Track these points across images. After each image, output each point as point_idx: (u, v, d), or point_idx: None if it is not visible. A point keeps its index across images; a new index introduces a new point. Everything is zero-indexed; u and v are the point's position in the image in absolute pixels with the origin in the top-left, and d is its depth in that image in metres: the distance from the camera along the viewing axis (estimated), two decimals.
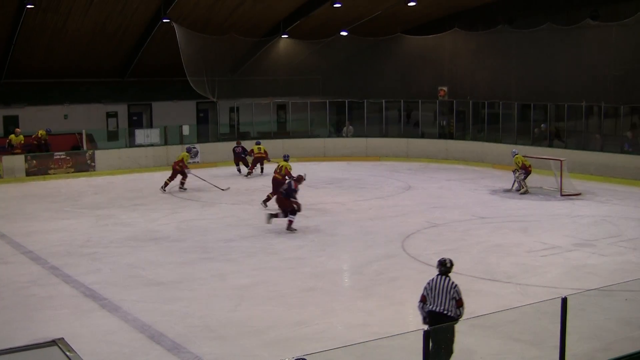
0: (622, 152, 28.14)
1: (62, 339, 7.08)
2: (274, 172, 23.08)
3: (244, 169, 30.10)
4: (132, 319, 12.37)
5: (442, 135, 35.43)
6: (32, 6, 28.02)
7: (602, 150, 28.79)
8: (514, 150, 26.09)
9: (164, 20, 31.73)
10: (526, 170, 24.82)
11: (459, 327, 9.60)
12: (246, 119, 37.39)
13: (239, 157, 30.68)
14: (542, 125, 31.71)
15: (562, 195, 23.95)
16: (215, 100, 35.30)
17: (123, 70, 37.19)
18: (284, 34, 36.80)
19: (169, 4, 31.15)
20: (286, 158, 23.62)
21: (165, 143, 33.31)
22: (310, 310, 12.86)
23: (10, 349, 7.20)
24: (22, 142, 30.43)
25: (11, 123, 33.70)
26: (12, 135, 30.65)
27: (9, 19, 29.60)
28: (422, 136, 35.57)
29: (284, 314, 12.65)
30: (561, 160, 24.50)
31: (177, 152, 31.91)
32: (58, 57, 33.77)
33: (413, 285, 14.44)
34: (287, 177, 21.61)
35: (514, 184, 25.23)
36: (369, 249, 17.35)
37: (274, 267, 15.82)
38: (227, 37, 34.48)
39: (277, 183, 21.88)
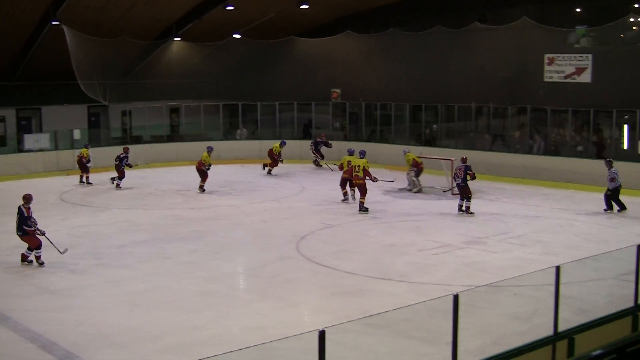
0: (510, 151, 29.18)
1: None
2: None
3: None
4: (22, 328, 12.07)
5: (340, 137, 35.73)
6: None
7: (491, 150, 29.61)
8: (405, 148, 26.53)
9: (53, 23, 31.04)
10: (418, 168, 25.27)
11: (353, 327, 9.72)
12: (139, 122, 36.86)
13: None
14: (433, 125, 32.32)
15: (452, 194, 24.46)
16: (106, 103, 34.70)
17: (11, 74, 36.18)
18: (176, 37, 36.48)
19: (58, 6, 30.47)
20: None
21: (56, 148, 32.47)
22: (206, 314, 12.80)
23: None
24: None
25: None
26: None
27: None
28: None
29: (179, 318, 12.55)
30: (452, 160, 25.06)
31: (68, 156, 31.30)
32: None
33: (308, 286, 14.58)
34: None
35: (409, 183, 25.65)
36: (263, 252, 17.36)
37: (168, 272, 15.67)
38: (119, 40, 33.96)
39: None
